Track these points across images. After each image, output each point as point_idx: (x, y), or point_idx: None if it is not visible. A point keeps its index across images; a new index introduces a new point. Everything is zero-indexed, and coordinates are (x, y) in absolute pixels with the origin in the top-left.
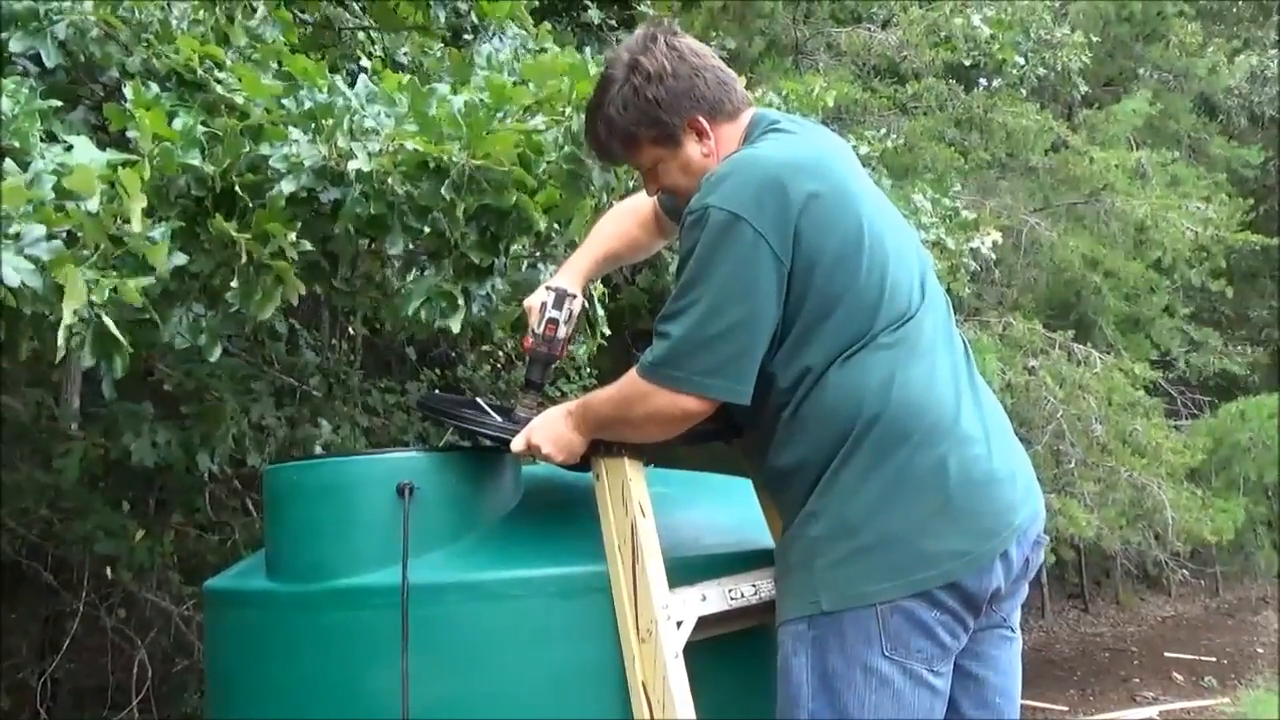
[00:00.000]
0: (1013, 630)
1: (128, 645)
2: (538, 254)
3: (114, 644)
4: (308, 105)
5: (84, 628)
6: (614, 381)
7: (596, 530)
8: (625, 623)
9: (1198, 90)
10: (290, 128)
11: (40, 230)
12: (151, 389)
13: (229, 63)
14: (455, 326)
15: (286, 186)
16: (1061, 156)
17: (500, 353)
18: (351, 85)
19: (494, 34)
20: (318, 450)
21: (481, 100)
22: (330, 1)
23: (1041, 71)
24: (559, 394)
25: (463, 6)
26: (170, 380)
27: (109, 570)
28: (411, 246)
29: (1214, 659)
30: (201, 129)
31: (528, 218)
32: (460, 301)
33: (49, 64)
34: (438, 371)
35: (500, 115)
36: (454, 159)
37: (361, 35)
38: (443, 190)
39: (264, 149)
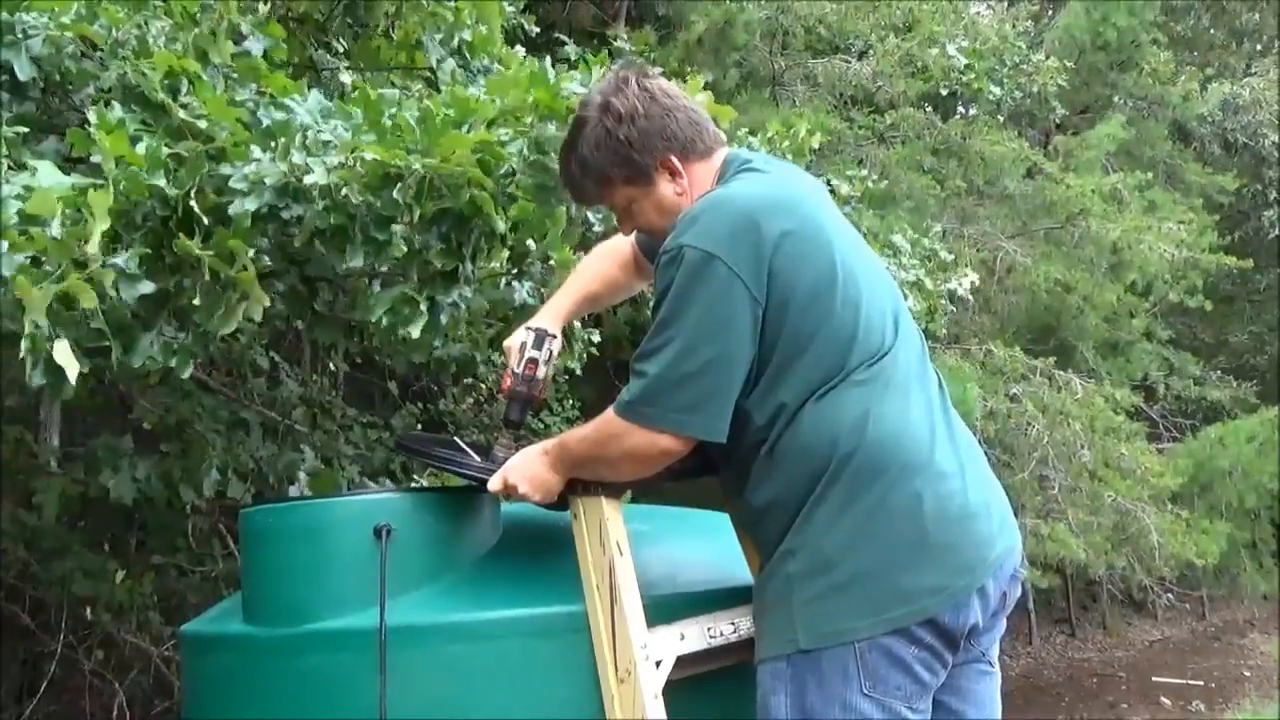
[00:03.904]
0: (991, 665)
1: (107, 687)
2: (513, 271)
3: (93, 685)
4: (265, 124)
5: (62, 669)
6: (594, 416)
7: (575, 569)
8: (604, 663)
9: (1171, 118)
10: (252, 147)
11: (2, 245)
12: (132, 428)
13: (205, 79)
14: (415, 332)
15: (248, 205)
16: (1038, 183)
17: (482, 386)
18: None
19: (478, 74)
20: (302, 476)
21: (446, 113)
22: (312, 44)
23: (1018, 95)
24: (541, 426)
25: (446, 47)
26: (150, 419)
27: (88, 611)
28: (377, 267)
29: (1201, 683)
30: (166, 150)
31: (488, 220)
32: (423, 308)
33: (21, 77)
34: (420, 405)
35: (465, 128)
36: (412, 166)
37: (344, 78)
38: (395, 194)
39: (225, 169)
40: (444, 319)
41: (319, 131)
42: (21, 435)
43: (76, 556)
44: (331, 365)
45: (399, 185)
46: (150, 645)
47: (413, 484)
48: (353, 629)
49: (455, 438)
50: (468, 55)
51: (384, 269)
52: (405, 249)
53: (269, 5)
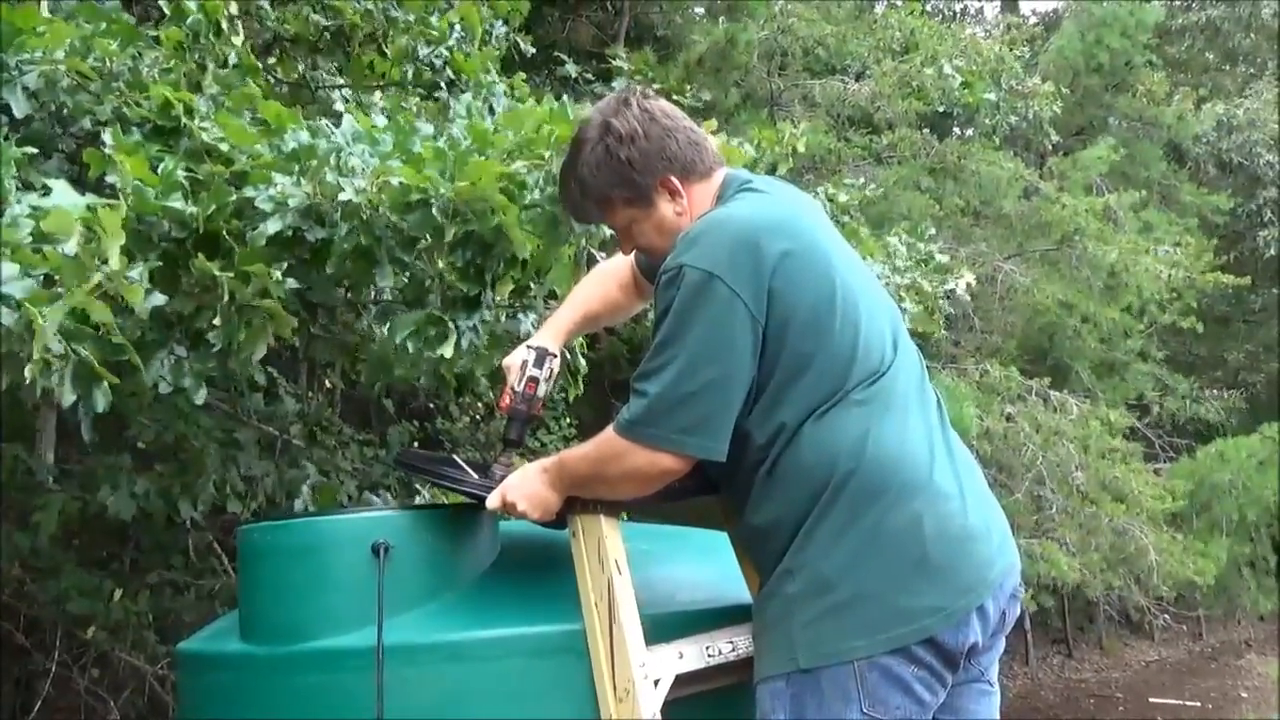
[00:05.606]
0: (991, 684)
1: (101, 705)
2: (517, 304)
3: (87, 705)
4: (291, 147)
5: (57, 688)
6: (592, 435)
7: (573, 588)
8: (602, 682)
9: (1166, 139)
10: (274, 173)
11: (14, 269)
12: (129, 445)
13: (203, 109)
14: (448, 352)
15: (272, 226)
16: (1033, 204)
17: (480, 404)
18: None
19: (468, 88)
20: (305, 490)
21: (465, 143)
22: (306, 64)
23: (1013, 120)
24: (538, 444)
25: (437, 62)
26: (146, 436)
27: (86, 630)
28: (390, 295)
29: (1199, 704)
30: (185, 174)
31: (512, 245)
32: (451, 327)
33: (18, 114)
34: (417, 423)
35: (482, 158)
36: (440, 189)
37: (337, 94)
38: (434, 213)
39: (249, 192)
40: (465, 343)
41: (349, 155)
42: (17, 452)
43: (71, 575)
44: (328, 382)
45: (432, 207)
46: (145, 664)
47: (413, 498)
48: (350, 648)
49: (454, 455)
50: (453, 73)
51: (388, 298)
52: (420, 288)
53: (244, 41)
